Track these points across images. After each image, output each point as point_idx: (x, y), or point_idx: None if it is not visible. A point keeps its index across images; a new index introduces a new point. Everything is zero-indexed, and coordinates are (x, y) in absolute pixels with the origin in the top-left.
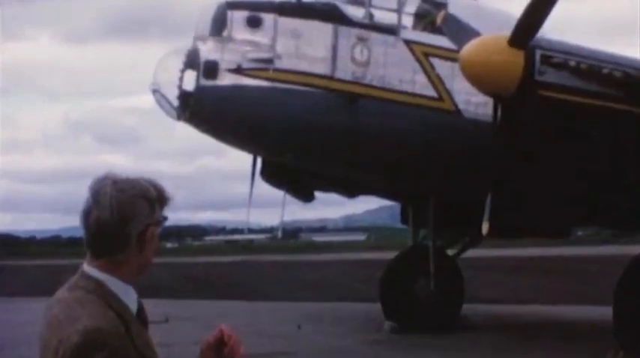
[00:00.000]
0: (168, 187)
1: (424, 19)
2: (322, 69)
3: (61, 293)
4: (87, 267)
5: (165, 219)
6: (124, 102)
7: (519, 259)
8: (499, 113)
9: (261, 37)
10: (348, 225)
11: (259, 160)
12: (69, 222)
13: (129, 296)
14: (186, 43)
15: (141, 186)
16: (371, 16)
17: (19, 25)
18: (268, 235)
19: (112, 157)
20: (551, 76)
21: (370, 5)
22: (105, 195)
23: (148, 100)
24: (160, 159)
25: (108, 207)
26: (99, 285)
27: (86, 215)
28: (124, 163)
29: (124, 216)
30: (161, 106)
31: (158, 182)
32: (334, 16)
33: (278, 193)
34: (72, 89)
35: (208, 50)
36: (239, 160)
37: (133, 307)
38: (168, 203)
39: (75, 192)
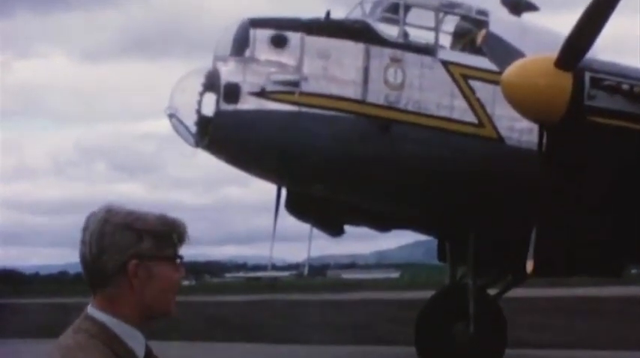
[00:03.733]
0: (187, 219)
1: (463, 38)
2: (353, 92)
3: (64, 337)
4: (90, 308)
5: (177, 256)
6: (141, 126)
7: (567, 300)
8: (545, 141)
9: (286, 57)
10: (380, 262)
11: (284, 191)
12: (76, 257)
13: (135, 340)
14: (205, 64)
15: (129, 216)
16: (405, 34)
17: (31, 41)
18: (293, 272)
19: (126, 186)
20: (602, 100)
21: (405, 23)
22: (90, 225)
23: (167, 125)
24: (179, 189)
25: (89, 236)
26: (102, 329)
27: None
28: (140, 193)
29: (101, 245)
30: (178, 132)
31: (173, 218)
32: (366, 35)
33: (304, 227)
34: (85, 112)
35: (229, 71)
36: (263, 191)
37: (140, 352)
38: (177, 238)
39: None
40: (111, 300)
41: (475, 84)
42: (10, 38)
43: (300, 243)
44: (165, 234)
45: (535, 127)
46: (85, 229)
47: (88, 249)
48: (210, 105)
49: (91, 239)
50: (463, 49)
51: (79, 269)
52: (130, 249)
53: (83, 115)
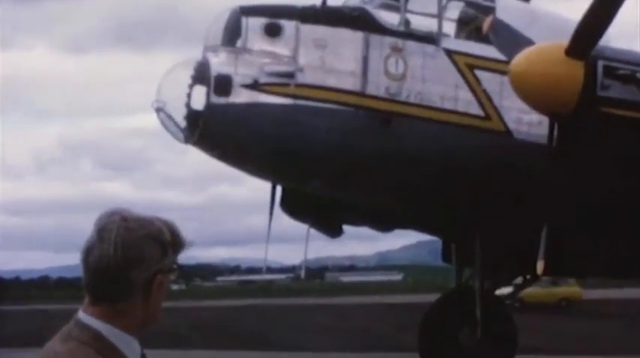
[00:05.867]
0: (176, 219)
1: (468, 26)
2: (351, 84)
3: (52, 344)
4: (82, 314)
5: (179, 267)
6: (128, 121)
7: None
8: (555, 133)
9: (280, 47)
10: (382, 263)
11: (279, 189)
12: (59, 261)
13: (131, 350)
14: (195, 54)
15: (153, 226)
16: (407, 22)
17: (11, 32)
18: (290, 275)
19: (113, 185)
20: (615, 90)
21: (406, 10)
22: (110, 231)
23: (155, 120)
24: (168, 188)
25: (112, 246)
26: (96, 337)
27: (87, 252)
28: (127, 191)
29: (130, 258)
30: (166, 127)
31: (174, 224)
32: (365, 23)
33: (301, 227)
34: (69, 106)
35: (220, 63)
36: (257, 189)
37: None
38: (183, 249)
39: (69, 225)
40: (120, 312)
41: (481, 74)
42: None
43: (296, 245)
44: (177, 245)
45: (545, 120)
46: (100, 235)
47: (110, 259)
48: (200, 98)
49: (116, 248)
50: (468, 37)
51: (62, 273)
52: (158, 264)
53: (68, 110)
